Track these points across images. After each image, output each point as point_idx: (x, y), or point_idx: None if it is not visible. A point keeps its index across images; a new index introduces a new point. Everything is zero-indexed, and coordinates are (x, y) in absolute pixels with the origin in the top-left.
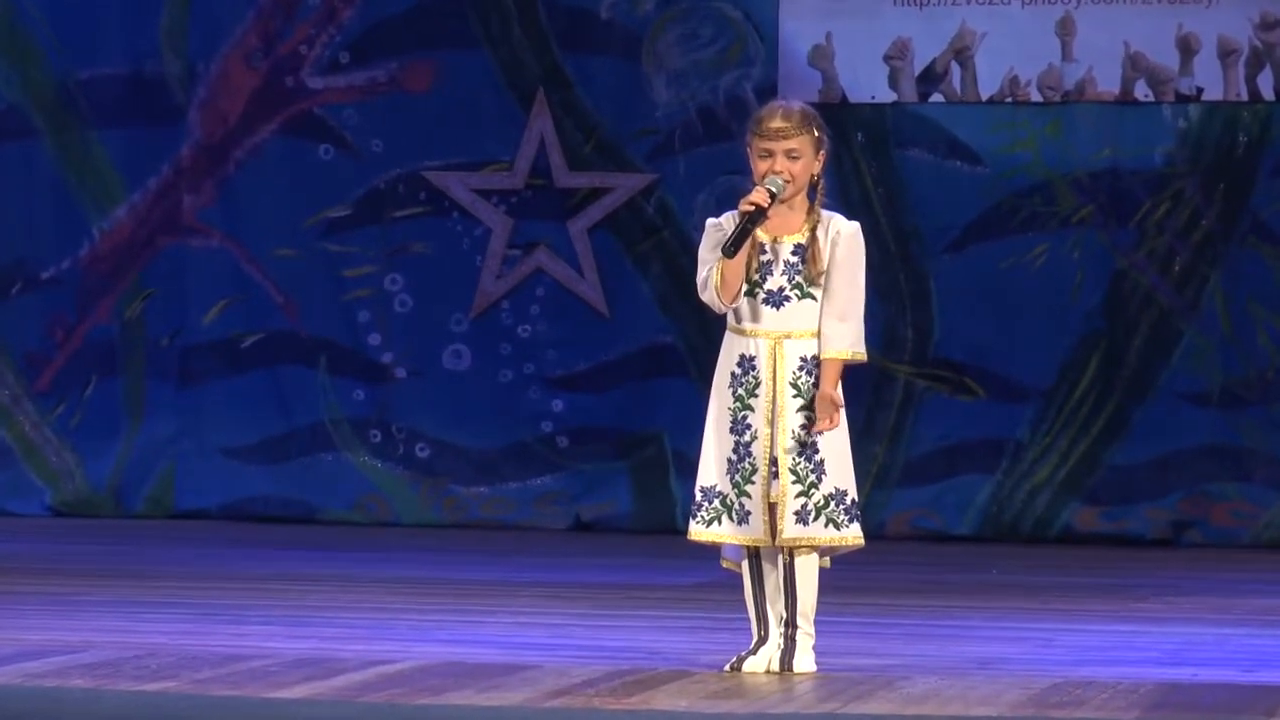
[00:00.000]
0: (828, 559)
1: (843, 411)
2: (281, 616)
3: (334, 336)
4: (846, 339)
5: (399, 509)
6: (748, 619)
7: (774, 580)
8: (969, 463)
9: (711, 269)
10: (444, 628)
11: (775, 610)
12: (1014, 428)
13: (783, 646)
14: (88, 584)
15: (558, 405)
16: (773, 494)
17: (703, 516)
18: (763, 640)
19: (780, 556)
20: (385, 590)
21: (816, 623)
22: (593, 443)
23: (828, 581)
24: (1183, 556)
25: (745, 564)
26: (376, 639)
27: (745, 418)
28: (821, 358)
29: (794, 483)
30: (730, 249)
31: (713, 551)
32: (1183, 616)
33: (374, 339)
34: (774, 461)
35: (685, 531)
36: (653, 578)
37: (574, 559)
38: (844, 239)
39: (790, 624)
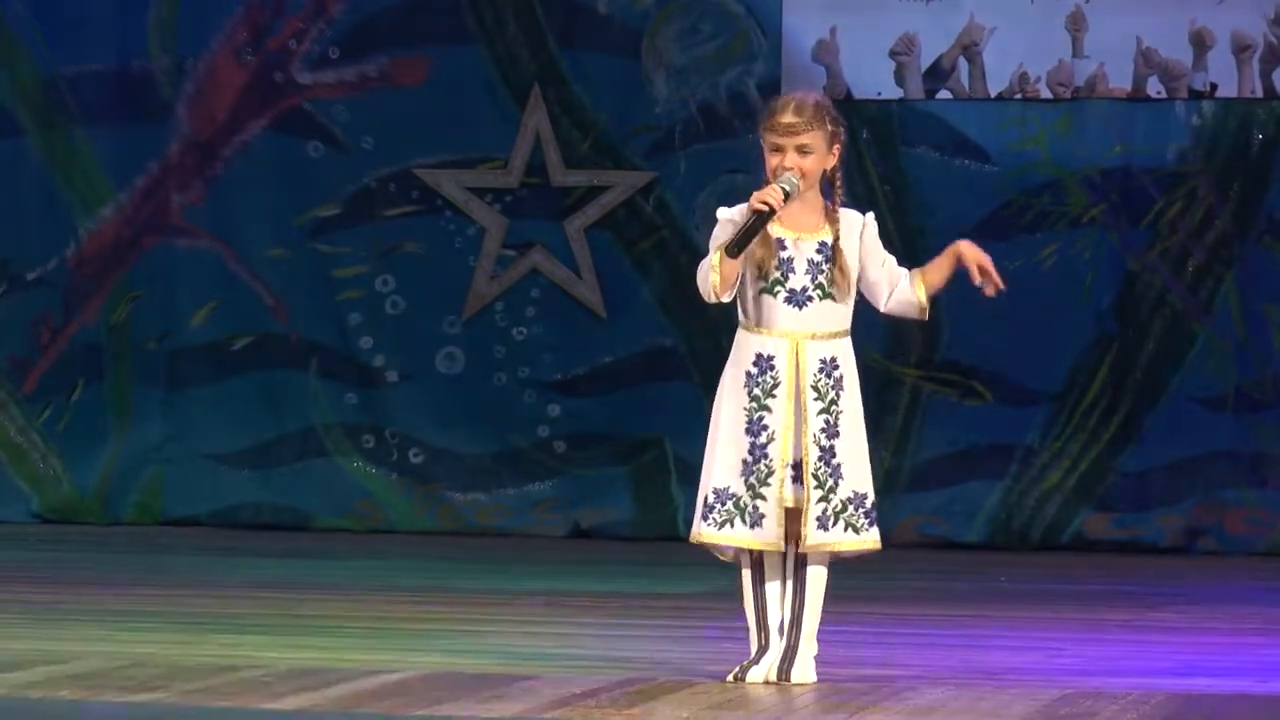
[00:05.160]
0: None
1: (860, 411)
2: (274, 626)
3: (325, 339)
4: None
5: (393, 516)
6: (748, 628)
7: (776, 587)
8: (977, 468)
9: (710, 261)
10: (441, 637)
11: (778, 617)
12: (1023, 432)
13: (783, 652)
14: (74, 592)
15: (554, 410)
16: (794, 499)
17: (714, 519)
18: (764, 649)
19: (788, 561)
20: (381, 599)
21: (820, 631)
22: (591, 448)
23: (831, 590)
24: (1196, 564)
25: (747, 572)
26: (372, 649)
27: (762, 419)
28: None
29: (816, 487)
30: (734, 249)
31: (714, 557)
32: (1196, 626)
33: (365, 341)
34: (795, 466)
35: (687, 537)
36: (654, 585)
37: (573, 567)
38: (869, 231)
39: (795, 627)
